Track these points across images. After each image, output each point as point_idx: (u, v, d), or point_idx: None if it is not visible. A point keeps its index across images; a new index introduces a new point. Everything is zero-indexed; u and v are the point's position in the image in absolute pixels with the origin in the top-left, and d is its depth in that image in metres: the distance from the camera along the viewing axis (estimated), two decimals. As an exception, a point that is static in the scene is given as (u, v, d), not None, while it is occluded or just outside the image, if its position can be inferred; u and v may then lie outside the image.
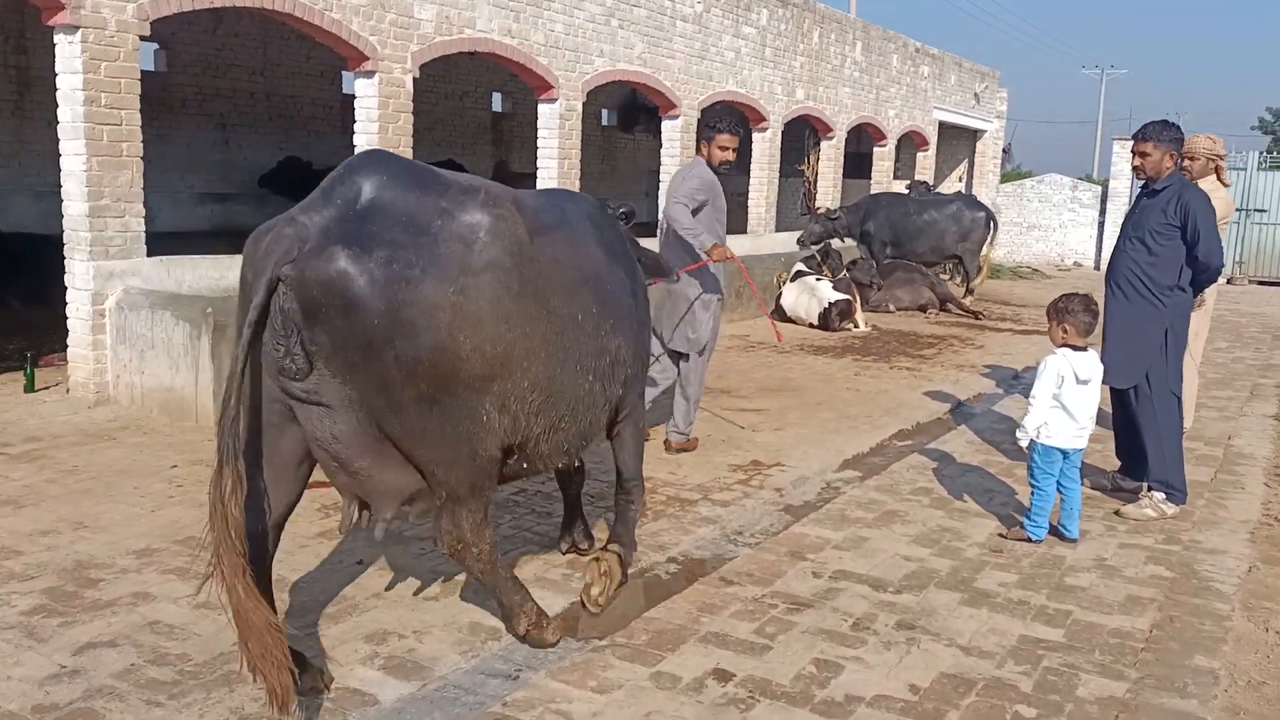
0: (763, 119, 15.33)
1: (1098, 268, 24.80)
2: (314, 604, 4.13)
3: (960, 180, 25.18)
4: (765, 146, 15.60)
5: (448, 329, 3.05)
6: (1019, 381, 10.23)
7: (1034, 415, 5.19)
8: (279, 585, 3.87)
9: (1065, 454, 5.18)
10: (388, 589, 4.32)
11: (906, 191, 17.39)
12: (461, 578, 4.38)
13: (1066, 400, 5.14)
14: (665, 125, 13.59)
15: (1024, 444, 5.26)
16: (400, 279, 2.98)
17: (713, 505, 5.69)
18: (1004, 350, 11.83)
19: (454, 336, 3.07)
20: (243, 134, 16.89)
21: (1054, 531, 5.24)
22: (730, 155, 6.43)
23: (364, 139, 9.47)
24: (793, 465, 6.58)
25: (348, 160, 3.27)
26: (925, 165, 21.79)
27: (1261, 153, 23.31)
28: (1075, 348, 5.21)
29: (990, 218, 15.84)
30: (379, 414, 3.12)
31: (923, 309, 14.74)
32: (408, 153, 9.79)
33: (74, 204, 7.23)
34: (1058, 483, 5.20)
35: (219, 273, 8.07)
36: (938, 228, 15.61)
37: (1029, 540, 5.15)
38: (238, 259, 3.23)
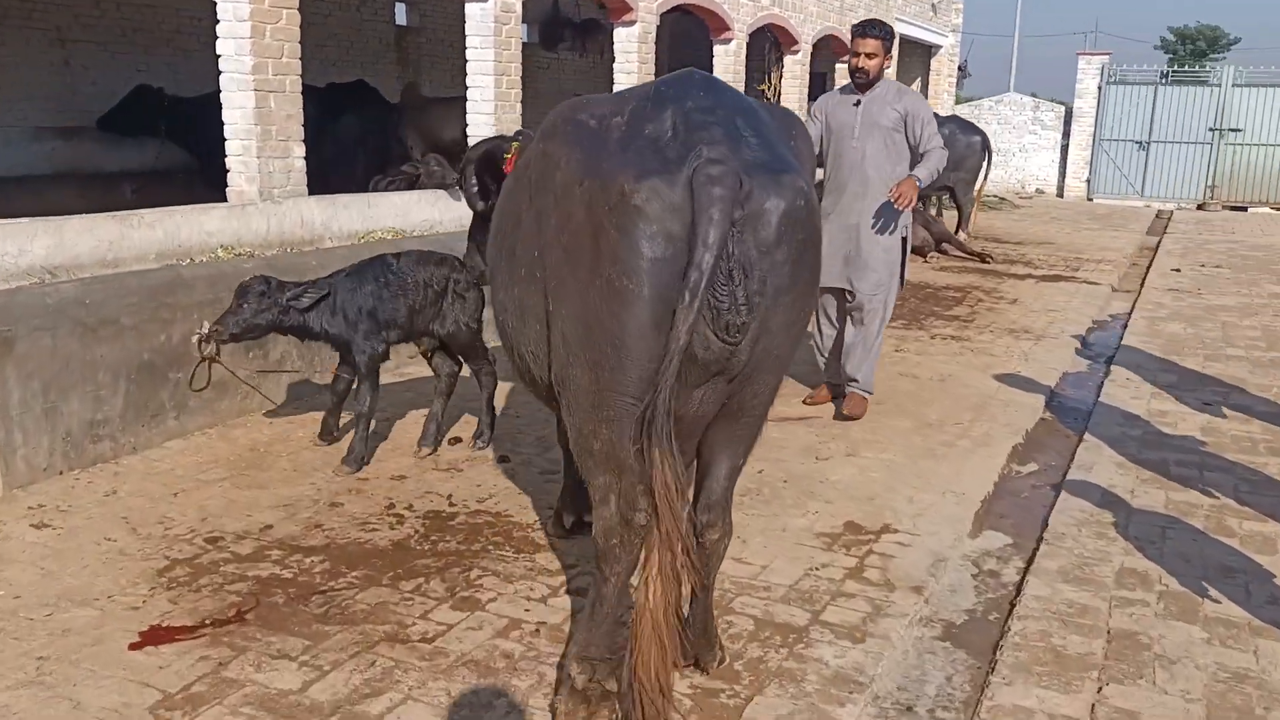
0: (726, 28, 12.86)
1: (1060, 195, 23.11)
2: None
3: (914, 101, 23.01)
4: (729, 61, 13.15)
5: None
6: (1091, 349, 8.19)
7: None
8: None
9: None
10: None
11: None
12: None
13: None
14: (620, 34, 11.04)
15: None
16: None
17: (834, 638, 3.45)
18: (1045, 305, 9.78)
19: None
20: (88, 53, 13.67)
21: None
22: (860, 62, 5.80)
23: (230, 45, 6.81)
24: (908, 529, 4.37)
25: (683, 80, 2.87)
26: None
27: (1237, 67, 21.63)
28: None
29: (986, 143, 13.75)
30: (770, 345, 2.75)
31: (918, 251, 12.60)
32: (294, 64, 7.14)
33: None
34: None
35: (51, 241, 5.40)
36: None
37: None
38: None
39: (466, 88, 9.09)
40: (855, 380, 6.04)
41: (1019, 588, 3.93)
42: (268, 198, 7.00)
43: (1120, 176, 22.39)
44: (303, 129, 7.32)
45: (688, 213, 2.54)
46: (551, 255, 2.83)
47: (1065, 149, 23.03)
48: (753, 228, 2.60)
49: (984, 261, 12.36)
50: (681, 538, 2.64)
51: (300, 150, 7.28)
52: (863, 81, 5.84)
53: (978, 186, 13.79)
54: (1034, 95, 24.85)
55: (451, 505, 4.51)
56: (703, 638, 3.17)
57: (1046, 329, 8.68)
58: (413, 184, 8.90)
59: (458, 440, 5.33)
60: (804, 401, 6.21)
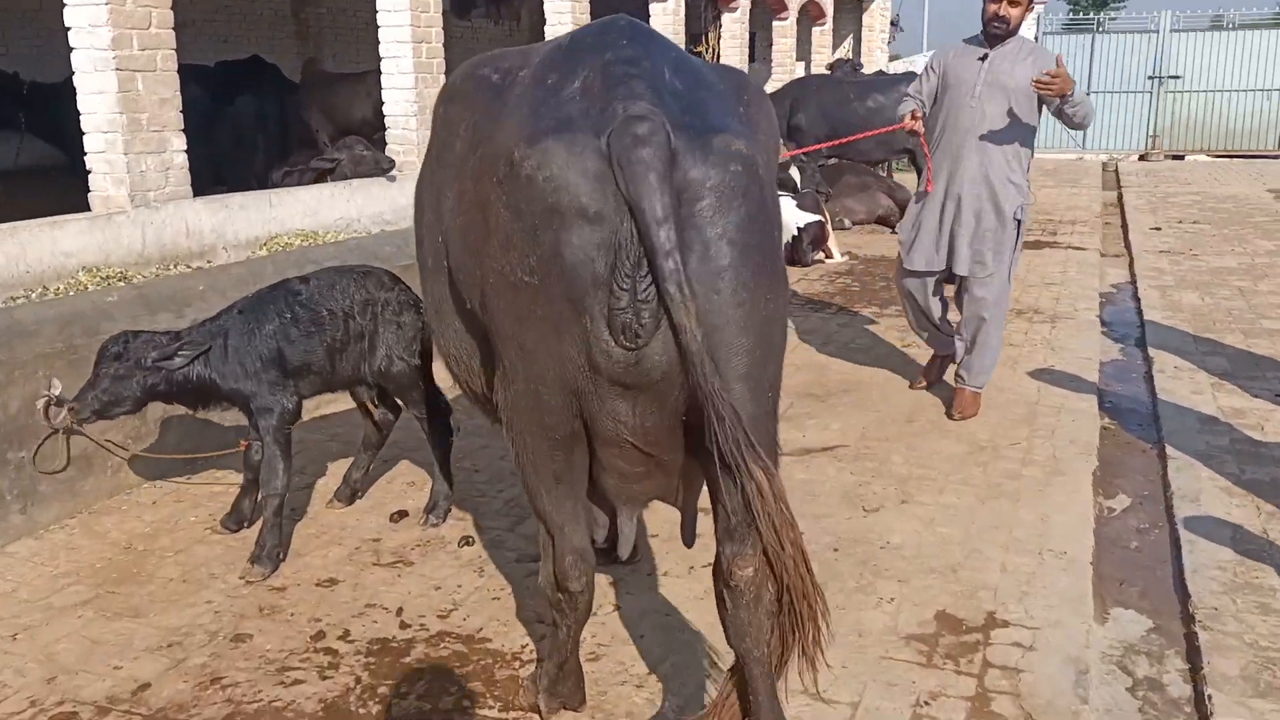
0: (663, -16, 11.66)
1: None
2: None
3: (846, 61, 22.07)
4: (668, 20, 11.95)
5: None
6: (1112, 328, 7.25)
7: None
8: None
9: None
10: None
11: (829, 74, 14.13)
12: None
13: None
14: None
15: None
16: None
17: (998, 837, 2.33)
18: (1041, 277, 8.82)
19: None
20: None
21: None
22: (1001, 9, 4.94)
23: (83, 14, 5.43)
24: (1019, 618, 3.30)
25: (605, 27, 2.42)
26: (823, 43, 18.54)
27: (1174, 12, 21.04)
28: None
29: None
30: (727, 346, 2.23)
31: (883, 221, 11.61)
32: (166, 36, 5.77)
33: None
34: None
35: None
36: (884, 116, 12.32)
37: None
38: None
39: (380, 59, 7.73)
40: (964, 379, 5.32)
41: (1200, 710, 2.87)
42: (141, 203, 5.64)
43: (1061, 129, 21.68)
44: (182, 116, 5.95)
45: (606, 184, 2.11)
46: (452, 244, 2.53)
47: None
48: (680, 199, 2.14)
49: (955, 229, 11.38)
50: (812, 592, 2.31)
51: (180, 142, 5.91)
52: (999, 32, 4.95)
53: (939, 148, 12.80)
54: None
55: (404, 626, 3.30)
56: None
57: (1056, 307, 7.71)
58: (329, 171, 7.55)
59: (402, 515, 4.10)
60: (913, 385, 5.73)
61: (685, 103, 2.25)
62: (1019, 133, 5.01)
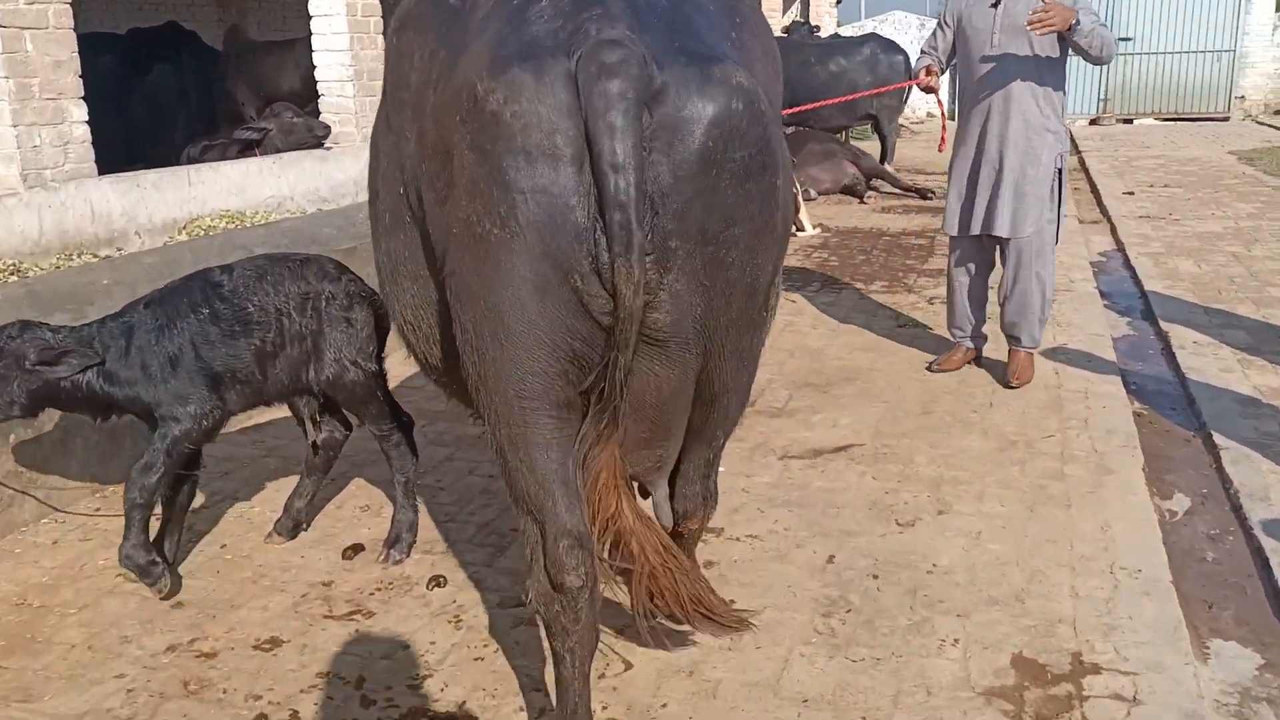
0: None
1: (952, 118, 21.95)
2: None
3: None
4: (619, -19, 11.22)
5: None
6: (1112, 300, 6.78)
7: None
8: None
9: None
10: None
11: (786, 36, 13.55)
12: None
13: None
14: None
15: None
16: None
17: None
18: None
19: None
20: None
21: None
22: None
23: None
24: (1110, 659, 2.77)
25: None
26: (773, 5, 17.93)
27: (1124, -28, 20.72)
28: None
29: (909, 64, 12.23)
30: (713, 320, 2.07)
31: (849, 190, 11.08)
32: (63, 7, 4.99)
33: None
34: None
35: None
36: (848, 80, 11.84)
37: None
38: None
39: (310, 17, 6.96)
40: (1018, 339, 4.96)
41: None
42: (36, 183, 4.87)
43: (1011, 95, 21.38)
44: (81, 82, 5.17)
45: (577, 123, 1.83)
46: (415, 197, 2.25)
47: (955, 69, 21.85)
48: (666, 141, 1.89)
49: (924, 198, 10.89)
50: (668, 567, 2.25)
51: (80, 112, 5.14)
52: None
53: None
54: (920, 14, 23.63)
55: (367, 703, 2.65)
56: None
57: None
58: (251, 148, 6.79)
59: (357, 550, 3.44)
60: (929, 367, 5.17)
61: (672, 25, 1.99)
62: (1047, 76, 4.64)
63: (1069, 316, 6.19)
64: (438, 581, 3.20)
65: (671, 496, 2.48)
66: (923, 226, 9.30)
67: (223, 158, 6.50)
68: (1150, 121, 20.31)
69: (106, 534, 3.59)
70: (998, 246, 4.97)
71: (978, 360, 5.23)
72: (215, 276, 3.10)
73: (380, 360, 3.28)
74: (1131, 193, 11.16)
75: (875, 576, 3.21)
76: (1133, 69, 20.75)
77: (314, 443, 3.45)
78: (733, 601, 3.03)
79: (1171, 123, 19.86)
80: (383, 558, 3.34)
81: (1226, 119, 19.86)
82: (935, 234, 8.92)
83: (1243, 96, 20.28)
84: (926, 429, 4.43)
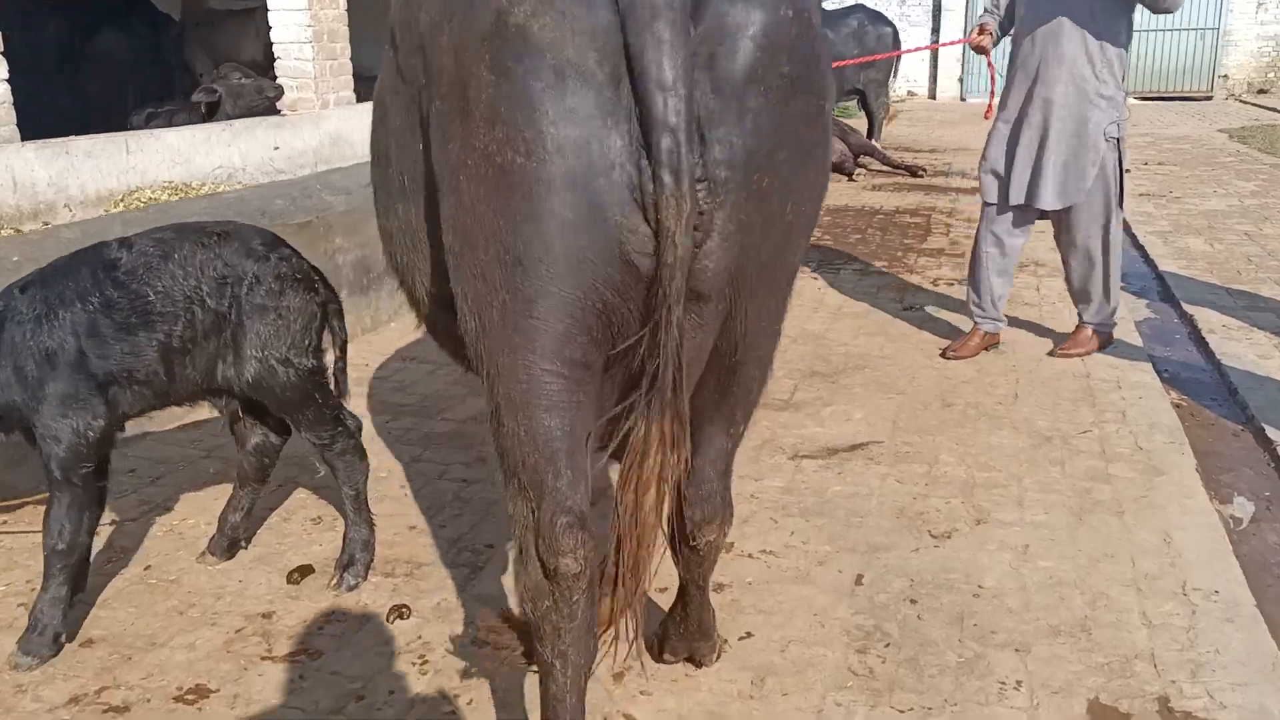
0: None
1: (933, 96, 21.58)
2: None
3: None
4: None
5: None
6: (1130, 281, 6.35)
7: None
8: None
9: None
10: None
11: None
12: None
13: None
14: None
15: None
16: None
17: None
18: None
19: None
20: None
21: None
22: None
23: None
24: (1204, 703, 2.33)
25: None
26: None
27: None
28: None
29: (898, 37, 11.80)
30: (752, 262, 1.81)
31: (838, 168, 10.57)
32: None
33: None
34: None
35: None
36: (834, 54, 11.35)
37: None
38: None
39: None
40: (1079, 312, 4.78)
41: None
42: (-56, 148, 4.30)
43: (992, 74, 21.03)
44: (1, 37, 4.61)
45: (615, 38, 1.61)
46: (425, 141, 1.92)
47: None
48: (709, 54, 1.65)
49: (915, 175, 10.46)
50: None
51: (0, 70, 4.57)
52: None
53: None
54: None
55: (312, 776, 2.17)
56: (698, 632, 2.41)
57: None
58: (208, 116, 6.23)
59: (305, 573, 2.93)
60: (944, 353, 4.76)
61: None
62: (1105, 32, 4.22)
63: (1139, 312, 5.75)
64: (400, 612, 2.71)
65: (684, 501, 2.11)
66: (916, 205, 8.85)
67: (169, 125, 5.93)
68: (1131, 101, 20.03)
69: (11, 553, 3.07)
70: (1039, 220, 4.67)
71: (994, 346, 4.81)
72: (110, 254, 2.54)
73: (318, 355, 2.76)
74: (1129, 170, 10.77)
75: (913, 601, 2.75)
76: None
77: (246, 450, 2.93)
78: (749, 635, 2.57)
79: (1154, 101, 19.57)
80: (334, 582, 2.84)
81: (1209, 98, 19.58)
82: (931, 212, 8.50)
83: (1226, 75, 20.00)
84: (950, 423, 3.98)
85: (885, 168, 10.67)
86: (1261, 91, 19.31)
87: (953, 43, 4.13)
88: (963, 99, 21.23)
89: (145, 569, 2.98)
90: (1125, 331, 5.08)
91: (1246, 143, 12.63)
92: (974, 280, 4.78)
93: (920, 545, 3.05)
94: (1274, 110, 16.10)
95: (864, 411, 4.11)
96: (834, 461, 3.64)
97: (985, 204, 4.70)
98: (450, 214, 1.81)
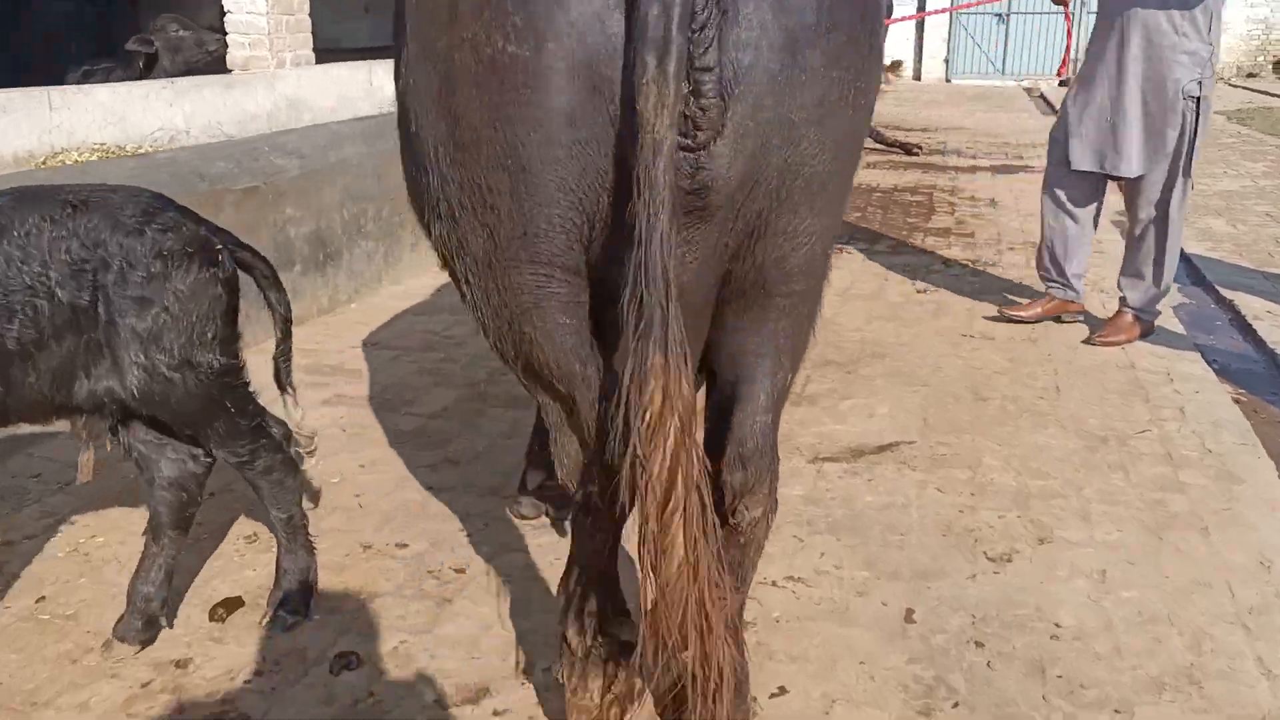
0: None
1: (918, 77, 21.15)
2: None
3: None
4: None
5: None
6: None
7: None
8: None
9: None
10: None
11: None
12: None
13: None
14: None
15: None
16: None
17: None
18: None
19: None
20: None
21: None
22: None
23: None
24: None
25: None
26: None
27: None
28: None
29: (892, 9, 11.28)
30: (793, 155, 1.51)
31: (828, 145, 10.08)
32: None
33: None
34: None
35: None
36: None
37: None
38: None
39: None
40: (1122, 294, 4.34)
41: None
42: None
43: (980, 54, 20.66)
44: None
45: None
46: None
47: (921, 24, 20.97)
48: None
49: (909, 153, 9.98)
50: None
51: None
52: None
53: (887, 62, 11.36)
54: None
55: None
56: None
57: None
58: (148, 69, 5.63)
59: (231, 608, 2.39)
60: (1002, 313, 4.47)
61: None
62: None
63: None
64: (347, 660, 2.18)
65: (718, 461, 1.73)
66: (915, 183, 8.37)
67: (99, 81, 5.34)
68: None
69: (-127, 580, 2.51)
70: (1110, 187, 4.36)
71: (1060, 319, 4.53)
72: None
73: (229, 348, 2.16)
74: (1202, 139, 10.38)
75: (979, 644, 2.26)
76: (1104, 28, 20.05)
77: (154, 480, 2.28)
78: (782, 691, 2.07)
79: (1141, 85, 19.22)
80: (266, 620, 2.30)
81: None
82: (932, 191, 8.03)
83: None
84: (987, 420, 3.49)
85: (879, 145, 10.18)
86: (1250, 75, 19.00)
87: (940, 11, 3.70)
88: (948, 80, 20.83)
89: (38, 601, 2.43)
90: (1163, 317, 4.62)
91: (1247, 124, 12.24)
92: (1040, 247, 4.51)
93: (976, 570, 2.55)
94: (1266, 94, 15.75)
95: (888, 406, 3.61)
96: (861, 465, 3.14)
97: (1053, 169, 4.36)
98: (437, 115, 1.56)
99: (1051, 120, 14.10)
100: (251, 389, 2.24)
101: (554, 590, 2.33)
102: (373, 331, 4.42)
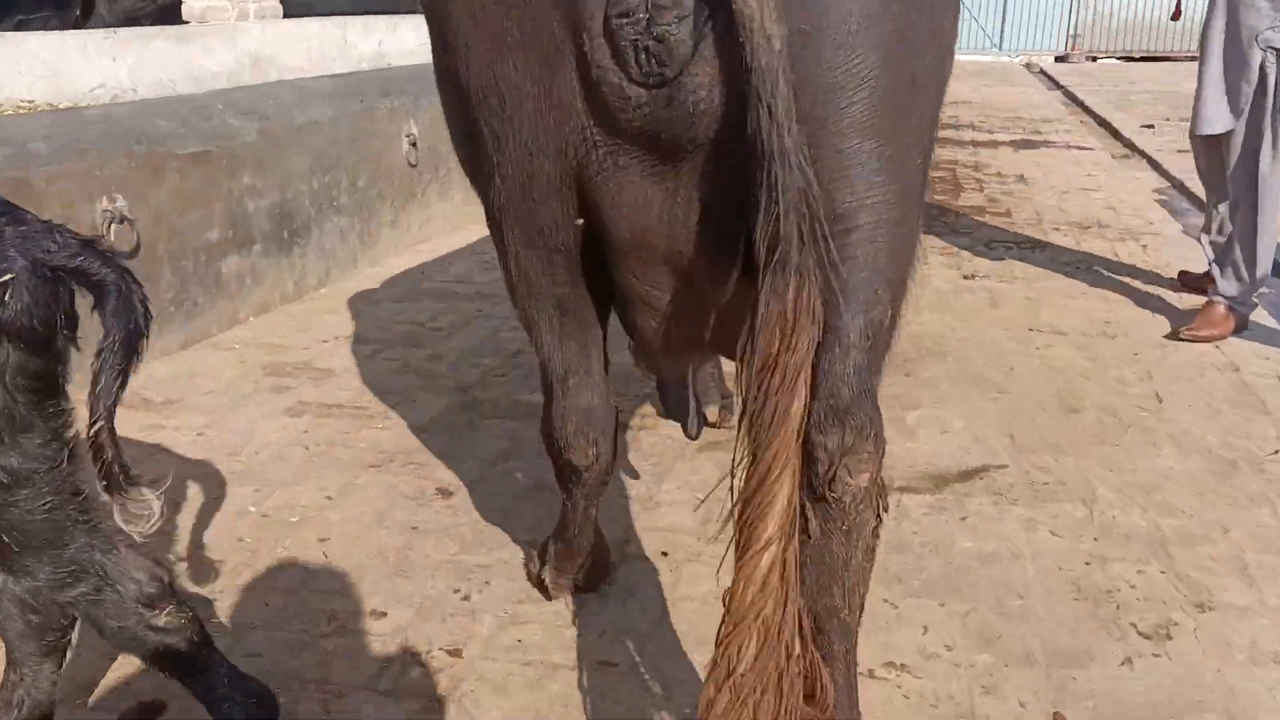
0: None
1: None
2: None
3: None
4: None
5: None
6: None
7: None
8: None
9: None
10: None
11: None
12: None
13: None
14: None
15: None
16: None
17: None
18: (1065, 181, 6.89)
19: None
20: None
21: None
22: None
23: None
24: None
25: None
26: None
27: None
28: None
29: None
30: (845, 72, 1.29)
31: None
32: None
33: None
34: None
35: None
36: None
37: None
38: None
39: None
40: (1213, 281, 3.81)
41: None
42: None
43: (977, 29, 20.12)
44: None
45: None
46: None
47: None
48: None
49: (923, 126, 9.38)
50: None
51: None
52: None
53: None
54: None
55: None
56: None
57: (1121, 220, 5.76)
58: (84, 17, 4.95)
59: (151, 715, 1.77)
60: (1183, 333, 3.72)
61: None
62: None
63: (1175, 269, 4.71)
64: (303, 803, 1.57)
65: (810, 427, 1.38)
66: (935, 158, 7.77)
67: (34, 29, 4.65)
68: (1113, 61, 19.21)
69: None
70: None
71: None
72: None
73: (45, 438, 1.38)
74: (1151, 126, 9.83)
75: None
76: (1103, 5, 19.64)
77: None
78: None
79: (1139, 63, 18.77)
80: (195, 737, 1.68)
81: (1195, 59, 18.77)
82: (955, 166, 7.47)
83: (1217, 36, 19.17)
84: (1086, 437, 2.90)
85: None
86: (1256, 52, 18.49)
87: None
88: (945, 54, 20.29)
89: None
90: (1255, 311, 4.05)
91: (1267, 101, 11.72)
92: (1211, 222, 4.03)
93: (1130, 652, 1.96)
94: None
95: (964, 419, 3.02)
96: (948, 498, 2.55)
97: (1194, 132, 3.90)
98: (456, 59, 1.46)
99: (1057, 94, 13.69)
100: (86, 494, 1.45)
101: (580, 687, 1.74)
102: (346, 322, 3.79)
